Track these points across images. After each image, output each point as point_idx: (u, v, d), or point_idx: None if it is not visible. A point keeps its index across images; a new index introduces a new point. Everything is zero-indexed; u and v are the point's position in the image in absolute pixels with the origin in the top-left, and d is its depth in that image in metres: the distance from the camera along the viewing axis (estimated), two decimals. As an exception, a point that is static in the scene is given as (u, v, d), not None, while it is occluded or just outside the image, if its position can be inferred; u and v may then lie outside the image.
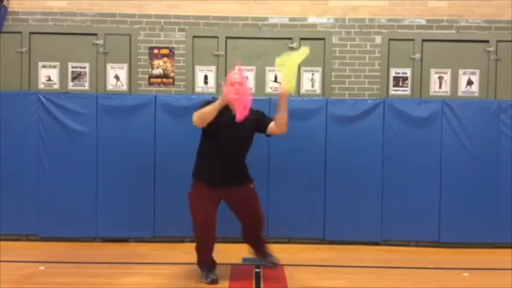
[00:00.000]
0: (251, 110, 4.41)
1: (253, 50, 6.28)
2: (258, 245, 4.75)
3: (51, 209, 5.83)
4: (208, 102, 4.36)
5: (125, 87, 6.30)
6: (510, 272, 4.98)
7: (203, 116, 4.26)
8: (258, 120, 4.49)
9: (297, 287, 4.51)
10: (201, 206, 4.45)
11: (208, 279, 4.49)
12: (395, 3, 6.28)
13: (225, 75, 6.23)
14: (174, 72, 6.32)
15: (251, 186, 4.57)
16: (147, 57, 6.30)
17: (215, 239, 4.58)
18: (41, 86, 6.26)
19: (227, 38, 6.28)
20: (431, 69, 6.31)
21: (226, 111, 4.34)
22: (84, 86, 6.29)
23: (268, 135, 4.54)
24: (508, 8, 6.23)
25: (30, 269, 4.82)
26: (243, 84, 4.31)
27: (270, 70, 6.29)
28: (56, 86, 6.28)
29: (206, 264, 4.59)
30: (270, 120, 4.49)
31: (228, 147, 4.38)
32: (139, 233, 5.92)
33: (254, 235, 4.70)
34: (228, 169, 4.41)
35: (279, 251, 4.86)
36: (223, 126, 4.34)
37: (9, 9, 6.19)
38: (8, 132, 5.85)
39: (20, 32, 6.23)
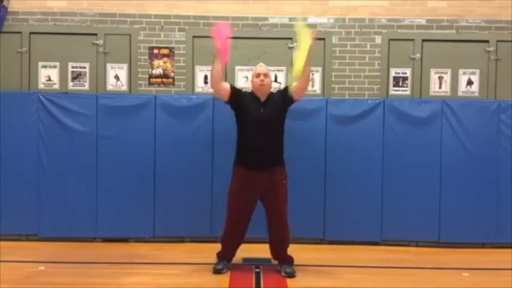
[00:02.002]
0: (273, 93, 4.86)
1: (253, 50, 6.28)
2: (280, 251, 4.84)
3: (51, 209, 5.84)
4: (235, 87, 4.91)
5: (125, 87, 6.30)
6: (510, 272, 4.98)
7: (211, 75, 4.85)
8: (281, 94, 4.84)
9: (297, 287, 4.51)
10: (238, 205, 4.71)
11: (214, 268, 4.78)
12: (395, 3, 6.28)
13: (225, 75, 6.24)
14: (174, 72, 6.32)
15: (284, 181, 4.76)
16: (147, 57, 6.30)
17: (243, 238, 4.86)
18: (41, 86, 6.26)
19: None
20: (431, 69, 6.31)
21: (253, 98, 4.77)
22: (84, 86, 6.29)
23: (298, 100, 4.81)
24: (508, 8, 6.23)
25: (30, 269, 4.83)
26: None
27: (270, 70, 6.25)
28: (56, 86, 6.28)
29: (222, 255, 4.86)
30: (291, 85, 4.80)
31: (259, 130, 4.63)
32: (139, 233, 5.92)
33: (277, 242, 4.82)
34: (263, 152, 4.63)
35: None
36: (250, 109, 4.70)
37: (9, 9, 6.19)
38: (8, 132, 5.85)
39: (20, 32, 6.23)
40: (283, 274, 4.73)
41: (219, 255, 4.90)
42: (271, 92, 4.85)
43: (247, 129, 4.70)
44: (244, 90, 5.10)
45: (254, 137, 4.64)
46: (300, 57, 4.58)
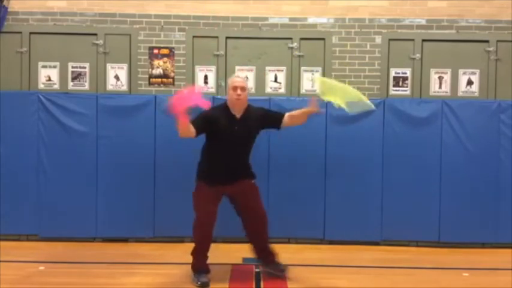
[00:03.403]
0: (250, 107, 4.54)
1: (253, 50, 6.28)
2: (261, 247, 4.70)
3: (51, 209, 5.83)
4: (203, 114, 4.38)
5: (125, 87, 6.30)
6: (510, 272, 4.98)
7: (179, 132, 4.26)
8: (264, 117, 4.61)
9: (297, 287, 4.51)
10: (202, 206, 4.50)
11: (199, 282, 4.46)
12: (395, 3, 6.28)
13: (225, 75, 6.27)
14: (174, 72, 6.32)
15: (252, 181, 4.61)
16: (147, 57, 6.30)
17: (210, 241, 4.60)
18: (41, 86, 6.26)
19: (227, 38, 6.28)
20: (431, 69, 6.31)
21: (226, 113, 4.45)
22: (84, 86, 6.29)
23: (279, 129, 4.68)
24: (508, 8, 6.23)
25: (30, 269, 4.82)
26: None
27: (270, 70, 6.29)
28: (56, 86, 6.28)
29: (200, 268, 4.59)
30: (280, 114, 4.61)
31: (231, 147, 4.44)
32: (139, 233, 5.92)
33: (255, 232, 4.66)
34: (231, 168, 4.48)
35: (279, 251, 4.85)
36: (223, 127, 4.41)
37: (9, 9, 6.19)
38: (8, 132, 5.85)
39: (20, 32, 6.23)
40: (277, 274, 4.61)
41: (194, 267, 4.59)
42: (249, 106, 4.56)
43: (218, 146, 4.46)
44: (214, 107, 4.62)
45: (224, 155, 4.44)
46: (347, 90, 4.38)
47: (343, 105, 4.30)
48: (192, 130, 4.29)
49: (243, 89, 4.45)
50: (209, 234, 4.56)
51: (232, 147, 4.45)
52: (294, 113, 4.60)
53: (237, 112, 4.49)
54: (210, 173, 4.52)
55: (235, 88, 4.43)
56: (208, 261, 4.83)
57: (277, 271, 4.66)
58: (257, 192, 4.65)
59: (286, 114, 4.61)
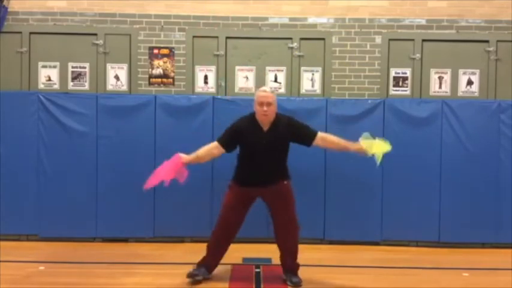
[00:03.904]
0: (279, 118, 4.45)
1: (253, 50, 6.28)
2: (286, 254, 4.60)
3: (51, 209, 5.84)
4: (231, 130, 4.48)
5: (125, 87, 6.30)
6: (510, 272, 4.98)
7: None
8: (294, 134, 4.46)
9: (297, 287, 4.51)
10: (229, 205, 4.51)
11: (187, 272, 4.48)
12: (395, 3, 6.29)
13: (225, 75, 6.27)
14: (174, 72, 6.32)
15: (285, 182, 4.50)
16: (147, 57, 6.30)
17: (229, 243, 4.60)
18: (41, 86, 6.26)
19: (227, 38, 6.28)
20: (431, 69, 6.31)
21: (253, 126, 4.41)
22: (84, 86, 6.29)
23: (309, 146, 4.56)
24: (508, 8, 6.23)
25: (30, 269, 4.82)
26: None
27: (270, 70, 6.29)
28: (56, 86, 6.28)
29: (202, 262, 4.59)
30: (312, 133, 4.47)
31: (261, 158, 4.39)
32: (139, 233, 5.92)
33: (282, 239, 4.58)
34: (263, 175, 4.42)
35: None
36: (251, 141, 4.39)
37: (9, 9, 6.19)
38: (8, 132, 5.85)
39: (20, 32, 6.23)
40: (289, 284, 4.53)
41: (201, 262, 4.60)
42: (277, 117, 4.46)
43: (249, 157, 4.43)
44: (242, 118, 4.58)
45: (256, 165, 4.40)
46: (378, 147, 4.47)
47: (380, 159, 4.46)
48: (220, 152, 4.43)
49: (269, 104, 4.33)
50: (228, 235, 4.56)
51: (262, 158, 4.38)
52: (334, 139, 4.53)
53: (265, 125, 4.42)
54: (243, 177, 4.50)
55: (261, 104, 4.33)
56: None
57: (290, 282, 4.53)
58: (289, 199, 4.52)
59: (319, 136, 4.47)
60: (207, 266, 4.59)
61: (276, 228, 4.59)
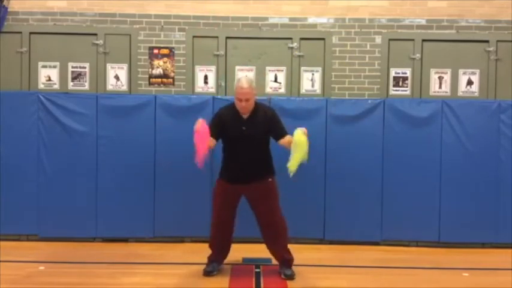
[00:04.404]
0: (259, 107, 4.62)
1: (253, 50, 6.28)
2: (276, 252, 4.75)
3: (51, 209, 5.83)
4: (214, 119, 4.68)
5: (125, 87, 6.30)
6: (510, 272, 4.98)
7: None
8: (270, 126, 4.64)
9: (297, 287, 4.51)
10: (218, 204, 4.69)
11: (203, 271, 4.71)
12: (395, 3, 6.29)
13: (225, 75, 6.27)
14: (174, 72, 6.32)
15: (269, 180, 4.66)
16: (147, 57, 6.30)
17: (229, 239, 4.79)
18: (41, 86, 6.26)
19: (227, 38, 6.28)
20: (431, 69, 6.31)
21: (234, 113, 4.60)
22: (84, 86, 6.29)
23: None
24: (508, 8, 6.23)
25: (30, 269, 4.82)
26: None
27: (270, 70, 6.29)
28: (56, 86, 6.28)
29: (210, 258, 4.79)
30: (282, 132, 4.62)
31: (241, 146, 4.56)
32: (139, 233, 5.92)
33: (268, 239, 4.73)
34: (245, 166, 4.58)
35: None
36: (232, 128, 4.57)
37: (9, 9, 6.19)
38: (8, 132, 5.85)
39: (20, 32, 6.23)
40: (283, 276, 4.66)
41: (209, 258, 4.80)
42: (257, 106, 4.63)
43: (231, 146, 4.65)
44: (223, 107, 4.80)
45: (238, 154, 4.59)
46: (296, 158, 4.37)
47: (295, 167, 4.37)
48: (213, 144, 4.56)
49: (247, 100, 4.51)
50: (223, 232, 4.74)
51: (243, 146, 4.57)
52: (285, 140, 4.57)
53: (245, 114, 4.60)
54: (227, 171, 4.68)
55: (240, 100, 4.52)
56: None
57: (283, 275, 4.66)
58: (274, 198, 4.67)
59: (286, 137, 4.57)
60: (217, 261, 4.79)
61: (262, 229, 4.73)
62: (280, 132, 4.64)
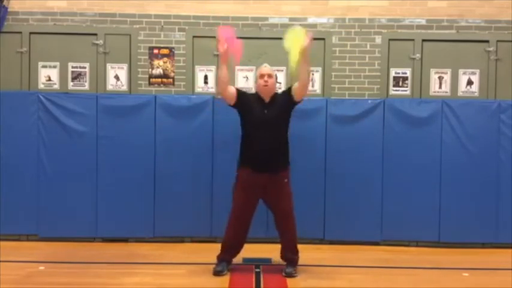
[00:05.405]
0: (278, 94, 4.86)
1: (253, 50, 6.28)
2: (284, 244, 4.83)
3: (51, 209, 5.83)
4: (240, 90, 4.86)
5: (125, 87, 6.30)
6: (510, 272, 4.98)
7: (218, 80, 4.87)
8: (285, 94, 4.80)
9: (297, 287, 4.51)
10: (240, 207, 4.70)
11: (213, 270, 4.74)
12: (395, 3, 6.29)
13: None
14: (174, 72, 6.32)
15: (285, 180, 4.74)
16: (147, 57, 6.30)
17: (245, 239, 4.82)
18: (41, 86, 6.26)
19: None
20: (431, 69, 6.31)
21: (257, 98, 4.76)
22: (84, 86, 6.29)
23: (299, 101, 4.78)
24: (508, 8, 6.23)
25: (30, 269, 4.82)
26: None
27: (270, 70, 6.28)
28: (56, 86, 6.28)
29: (223, 259, 4.82)
30: (290, 87, 4.80)
31: (263, 131, 4.61)
32: (139, 233, 5.92)
33: (279, 231, 4.81)
34: (266, 153, 4.62)
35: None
36: (254, 110, 4.68)
37: (9, 9, 6.19)
38: (8, 132, 5.85)
39: (20, 32, 6.23)
40: (283, 274, 4.72)
41: (218, 257, 4.83)
42: (276, 93, 4.81)
43: (252, 130, 4.67)
44: (248, 91, 5.06)
45: (259, 139, 4.61)
46: (294, 51, 4.59)
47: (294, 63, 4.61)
48: (232, 91, 4.72)
49: (270, 76, 4.73)
50: (241, 233, 4.77)
51: (264, 131, 4.61)
52: (300, 77, 4.70)
53: (266, 97, 4.73)
54: (247, 159, 4.70)
55: (262, 75, 4.72)
56: (208, 261, 4.85)
57: (284, 272, 4.74)
58: (287, 191, 4.76)
59: (294, 86, 4.75)
60: (226, 260, 4.81)
61: (275, 220, 4.82)
62: (289, 89, 4.77)
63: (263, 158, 4.61)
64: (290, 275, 4.67)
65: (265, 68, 4.80)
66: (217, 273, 4.71)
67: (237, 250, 4.86)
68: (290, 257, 4.80)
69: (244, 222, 4.74)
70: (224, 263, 4.78)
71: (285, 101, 4.73)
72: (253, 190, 4.67)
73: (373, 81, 6.30)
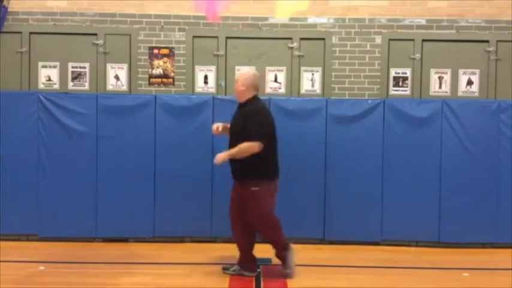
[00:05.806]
0: (252, 105, 4.62)
1: (253, 50, 6.28)
2: (274, 248, 4.80)
3: (51, 209, 5.83)
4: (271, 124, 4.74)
5: (125, 87, 6.30)
6: (510, 272, 4.98)
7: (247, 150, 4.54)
8: (244, 124, 4.56)
9: (297, 287, 4.51)
10: (272, 207, 4.73)
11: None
12: (395, 3, 6.29)
13: (225, 75, 6.27)
14: (174, 72, 6.32)
15: (252, 189, 4.53)
16: (147, 57, 6.30)
17: (238, 243, 4.80)
18: (41, 86, 6.26)
19: (227, 38, 6.28)
20: (431, 69, 6.31)
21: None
22: (84, 86, 6.30)
23: None
24: (508, 8, 6.23)
25: (30, 269, 4.83)
26: None
27: (270, 70, 6.29)
28: (56, 86, 6.28)
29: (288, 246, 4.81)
30: (248, 138, 4.48)
31: (231, 135, 4.69)
32: (139, 233, 5.91)
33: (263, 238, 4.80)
34: (231, 161, 4.63)
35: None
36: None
37: (9, 9, 6.19)
38: (8, 132, 5.85)
39: (20, 32, 6.23)
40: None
41: (287, 246, 4.75)
42: (252, 102, 4.64)
43: (274, 145, 4.73)
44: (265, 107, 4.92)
45: (277, 150, 4.75)
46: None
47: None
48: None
49: (236, 81, 4.74)
50: (234, 233, 4.83)
51: (230, 136, 4.68)
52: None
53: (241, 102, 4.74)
54: (273, 169, 4.75)
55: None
56: (208, 261, 4.85)
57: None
58: (256, 203, 4.56)
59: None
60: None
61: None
62: (247, 135, 4.48)
63: (230, 165, 4.65)
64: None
65: (237, 74, 4.83)
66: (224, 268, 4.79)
67: (241, 250, 4.86)
68: (277, 252, 4.77)
69: (232, 221, 4.78)
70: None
71: (243, 123, 4.57)
72: (233, 198, 4.75)
73: (373, 81, 6.30)
